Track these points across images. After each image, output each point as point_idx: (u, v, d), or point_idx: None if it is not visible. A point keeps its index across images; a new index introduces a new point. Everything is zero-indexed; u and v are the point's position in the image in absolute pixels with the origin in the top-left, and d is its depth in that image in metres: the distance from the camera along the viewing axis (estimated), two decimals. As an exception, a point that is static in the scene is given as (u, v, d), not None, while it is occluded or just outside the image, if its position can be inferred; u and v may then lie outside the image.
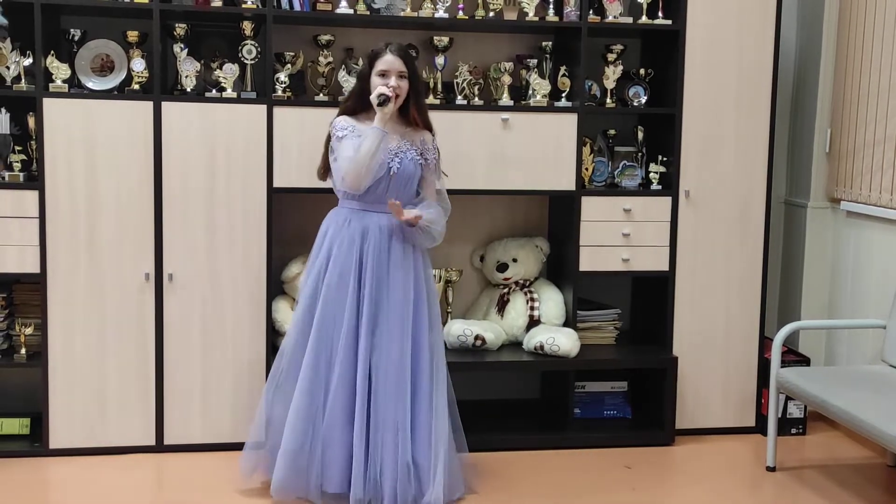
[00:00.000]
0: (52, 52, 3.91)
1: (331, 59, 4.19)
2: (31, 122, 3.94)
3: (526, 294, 4.41)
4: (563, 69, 4.28)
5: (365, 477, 3.51)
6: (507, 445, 4.21)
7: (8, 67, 3.91)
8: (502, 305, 4.43)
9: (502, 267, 4.46)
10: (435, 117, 3.81)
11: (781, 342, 4.01)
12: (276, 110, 4.03)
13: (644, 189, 4.37)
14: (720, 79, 4.31)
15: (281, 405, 3.62)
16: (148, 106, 3.95)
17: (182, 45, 4.05)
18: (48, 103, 3.89)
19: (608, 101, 4.34)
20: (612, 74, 4.31)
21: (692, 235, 4.36)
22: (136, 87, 3.98)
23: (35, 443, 4.05)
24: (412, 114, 3.66)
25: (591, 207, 4.28)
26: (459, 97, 4.23)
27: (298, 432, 3.53)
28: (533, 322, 4.35)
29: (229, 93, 4.03)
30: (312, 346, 3.56)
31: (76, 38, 4.06)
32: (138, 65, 3.97)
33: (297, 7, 4.07)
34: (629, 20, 4.29)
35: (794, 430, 4.50)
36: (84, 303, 3.98)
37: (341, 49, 4.32)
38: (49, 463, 3.96)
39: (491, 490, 3.77)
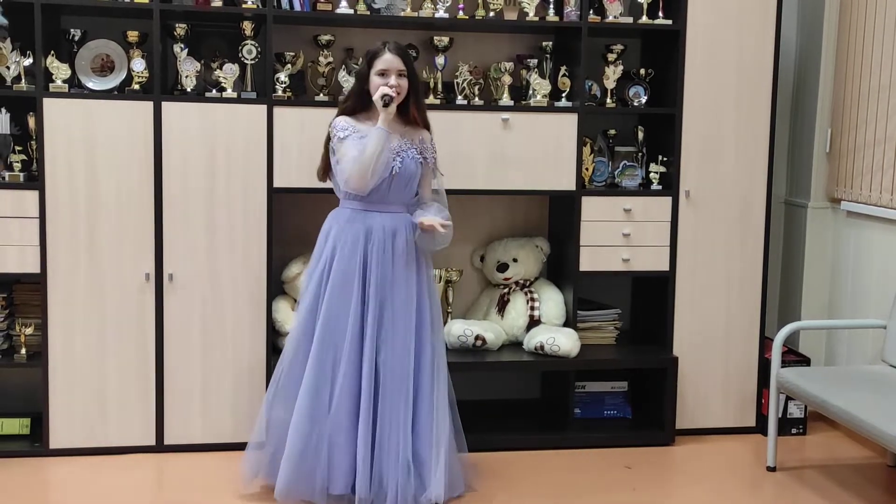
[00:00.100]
0: (53, 52, 3.91)
1: (331, 59, 4.19)
2: (32, 122, 3.94)
3: (526, 294, 4.41)
4: (563, 69, 4.28)
5: (370, 477, 3.50)
6: (507, 445, 4.21)
7: (8, 67, 3.91)
8: (502, 305, 4.43)
9: (502, 267, 4.46)
10: (435, 117, 3.81)
11: (782, 342, 4.01)
12: (277, 110, 4.03)
13: (644, 189, 4.37)
14: (720, 79, 4.31)
15: (281, 407, 3.60)
16: (148, 106, 3.95)
17: (182, 45, 4.05)
18: (48, 103, 3.89)
19: (608, 101, 4.34)
20: (612, 74, 4.31)
21: (692, 235, 4.36)
22: (137, 87, 3.98)
23: (35, 443, 4.05)
24: (412, 112, 3.65)
25: (592, 207, 4.28)
26: (459, 97, 4.23)
27: (304, 435, 3.51)
28: (533, 322, 4.35)
29: (229, 93, 4.03)
30: (317, 348, 3.54)
31: (76, 38, 4.06)
32: (138, 65, 3.97)
33: (297, 7, 4.07)
34: (629, 20, 4.29)
35: (794, 430, 4.50)
36: (84, 303, 3.98)
37: (341, 49, 4.32)
38: (49, 463, 3.96)
39: (491, 490, 3.77)
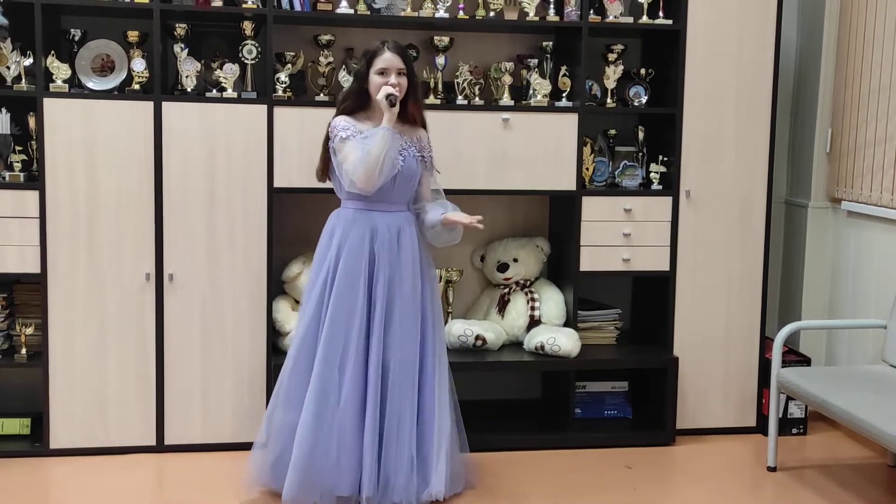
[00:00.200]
0: (53, 52, 3.91)
1: (331, 59, 4.19)
2: (32, 122, 3.94)
3: (526, 294, 4.41)
4: (563, 69, 4.28)
5: (377, 478, 3.50)
6: (507, 445, 4.21)
7: (8, 67, 3.91)
8: (503, 305, 4.43)
9: (503, 267, 4.46)
10: (435, 117, 3.82)
11: (782, 342, 4.01)
12: (277, 110, 4.03)
13: (644, 189, 4.37)
14: (721, 79, 4.31)
15: (283, 411, 3.56)
16: (148, 106, 3.95)
17: (182, 45, 4.05)
18: (48, 103, 3.89)
19: (609, 100, 4.34)
20: (612, 74, 4.31)
21: (693, 235, 4.36)
22: (137, 87, 3.98)
23: (35, 443, 4.05)
24: (410, 111, 3.65)
25: (592, 207, 4.27)
26: (460, 97, 4.23)
27: (312, 437, 3.47)
28: (533, 322, 4.35)
29: (230, 93, 4.03)
30: (323, 350, 3.51)
31: (76, 38, 4.06)
32: (139, 65, 3.97)
33: (297, 7, 4.07)
34: (630, 20, 4.29)
35: (794, 430, 4.50)
36: (84, 303, 3.98)
37: (342, 49, 4.32)
38: (49, 463, 3.96)
39: (491, 489, 3.77)
